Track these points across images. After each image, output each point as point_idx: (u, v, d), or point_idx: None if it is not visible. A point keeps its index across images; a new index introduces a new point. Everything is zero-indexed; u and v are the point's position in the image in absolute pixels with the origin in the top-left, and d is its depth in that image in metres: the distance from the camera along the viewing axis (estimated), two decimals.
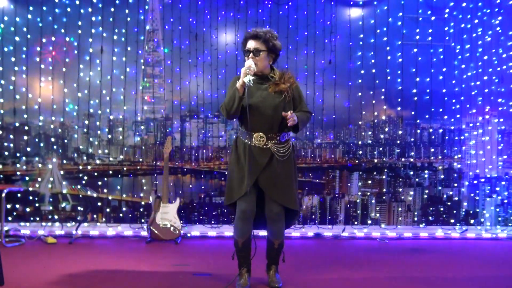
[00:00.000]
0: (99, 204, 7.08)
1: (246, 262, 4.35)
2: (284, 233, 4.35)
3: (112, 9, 6.97)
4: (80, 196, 7.11)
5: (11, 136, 7.03)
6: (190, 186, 7.28)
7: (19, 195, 6.90)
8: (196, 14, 7.04)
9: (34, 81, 6.99)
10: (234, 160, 4.26)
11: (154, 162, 7.18)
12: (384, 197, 7.28)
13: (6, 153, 7.05)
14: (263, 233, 4.48)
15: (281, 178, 4.16)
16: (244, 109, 4.08)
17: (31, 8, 6.91)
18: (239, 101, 4.04)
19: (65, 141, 7.21)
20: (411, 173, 7.34)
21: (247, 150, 4.16)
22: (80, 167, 7.10)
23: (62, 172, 7.05)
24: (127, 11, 6.99)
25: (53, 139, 7.09)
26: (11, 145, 7.02)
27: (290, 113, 4.03)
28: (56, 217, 6.99)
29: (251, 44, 4.14)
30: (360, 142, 7.41)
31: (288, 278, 4.66)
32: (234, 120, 4.44)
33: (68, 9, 6.96)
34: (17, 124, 6.98)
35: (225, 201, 4.36)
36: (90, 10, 6.96)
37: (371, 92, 7.19)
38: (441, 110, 7.26)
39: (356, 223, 7.20)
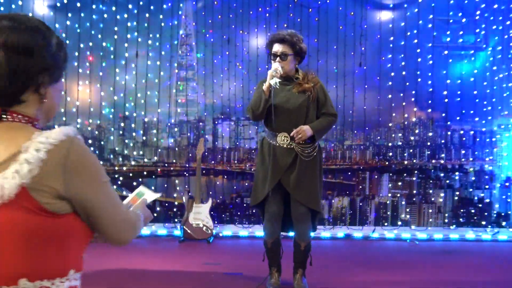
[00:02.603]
0: None
1: (276, 262, 4.42)
2: (311, 235, 4.36)
3: (147, 15, 7.16)
4: None
5: None
6: (222, 187, 7.42)
7: None
8: (228, 19, 7.17)
9: (72, 85, 7.22)
10: (259, 161, 4.32)
11: (187, 163, 7.34)
12: (414, 199, 7.30)
13: None
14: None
15: (305, 178, 4.17)
16: (269, 110, 4.16)
17: (69, 15, 7.14)
18: (265, 103, 4.10)
19: (102, 142, 7.43)
20: (442, 175, 7.34)
21: (272, 150, 4.20)
22: (116, 168, 7.32)
23: None
24: (161, 16, 7.18)
25: (90, 141, 7.31)
26: None
27: (296, 131, 4.10)
28: None
29: (278, 48, 4.16)
30: (390, 144, 7.43)
31: (317, 278, 4.73)
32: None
33: (105, 15, 7.17)
34: (56, 127, 7.20)
35: (251, 202, 4.45)
36: (126, 16, 7.17)
37: (401, 94, 7.22)
38: (472, 112, 7.23)
39: (386, 224, 7.22)
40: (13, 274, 1.38)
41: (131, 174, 7.32)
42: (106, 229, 1.54)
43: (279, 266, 4.45)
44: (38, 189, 1.38)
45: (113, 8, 7.17)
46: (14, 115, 1.47)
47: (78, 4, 7.10)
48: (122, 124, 7.37)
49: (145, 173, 7.38)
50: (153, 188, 7.33)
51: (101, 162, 7.12)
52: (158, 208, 7.29)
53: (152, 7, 7.17)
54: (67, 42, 7.14)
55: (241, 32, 7.19)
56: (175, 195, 7.31)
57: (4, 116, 1.46)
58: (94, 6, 7.14)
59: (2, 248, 1.37)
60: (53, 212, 1.40)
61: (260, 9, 7.16)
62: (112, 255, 5.58)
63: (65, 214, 1.43)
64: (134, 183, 7.28)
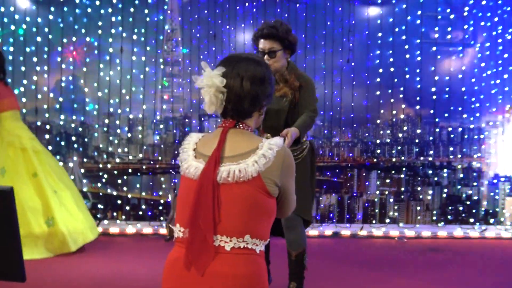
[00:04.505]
0: (119, 202, 7.16)
1: None
2: (304, 244, 4.00)
3: (132, 10, 7.02)
4: (100, 194, 7.19)
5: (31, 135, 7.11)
6: None
7: None
8: (214, 14, 7.07)
9: (55, 81, 7.09)
10: None
11: (173, 160, 7.24)
12: (402, 196, 7.25)
13: None
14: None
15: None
16: None
17: (52, 9, 7.00)
18: None
19: (86, 140, 7.30)
20: (430, 172, 7.30)
21: None
22: (100, 166, 7.18)
23: (82, 171, 7.14)
24: (146, 11, 7.05)
25: (74, 138, 7.18)
26: None
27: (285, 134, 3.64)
28: None
29: (265, 44, 3.81)
30: (378, 141, 7.38)
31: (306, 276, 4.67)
32: None
33: (89, 10, 7.04)
34: (38, 123, 7.07)
35: None
36: (110, 10, 7.03)
37: (390, 91, 7.16)
38: (460, 108, 7.20)
39: (374, 222, 7.18)
40: (242, 230, 1.99)
41: (115, 172, 7.19)
42: (287, 207, 2.19)
43: None
44: (267, 176, 2.01)
45: (97, 3, 7.02)
46: (244, 125, 2.12)
47: None
48: (107, 121, 7.23)
49: (130, 170, 7.26)
50: (138, 186, 7.23)
51: (85, 160, 7.05)
52: (143, 207, 7.18)
53: (137, 2, 7.03)
54: (50, 37, 7.02)
55: (227, 27, 7.09)
56: (160, 193, 7.21)
57: (237, 126, 2.10)
58: (77, 0, 7.01)
59: (237, 210, 1.99)
60: (270, 194, 2.03)
61: (247, 4, 7.07)
62: (97, 254, 5.48)
63: (273, 197, 2.06)
64: (119, 181, 7.16)
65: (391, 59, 7.14)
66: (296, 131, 3.72)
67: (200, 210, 1.98)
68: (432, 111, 7.22)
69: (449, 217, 7.20)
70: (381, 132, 7.39)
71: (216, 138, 2.08)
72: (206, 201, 1.98)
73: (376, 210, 7.24)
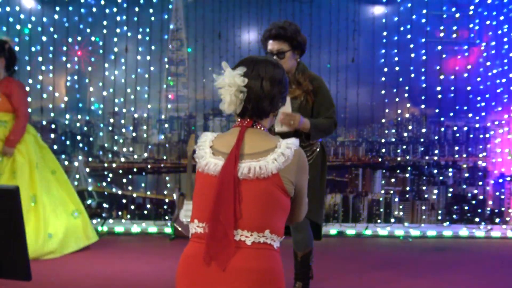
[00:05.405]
0: (124, 201, 7.17)
1: None
2: (310, 245, 3.97)
3: (137, 9, 7.03)
4: (106, 193, 7.20)
5: (39, 134, 7.12)
6: None
7: None
8: (219, 13, 7.06)
9: (61, 80, 7.11)
10: None
11: (178, 160, 7.24)
12: (407, 196, 7.24)
13: None
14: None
15: None
16: None
17: (57, 8, 7.01)
18: None
19: (91, 139, 7.31)
20: (435, 171, 7.28)
21: None
22: (106, 165, 7.19)
23: (87, 170, 7.15)
24: (151, 10, 7.05)
25: (79, 137, 7.20)
26: None
27: (285, 116, 3.60)
28: None
29: (273, 46, 3.73)
30: (383, 140, 7.37)
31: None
32: None
33: (94, 9, 7.05)
34: (44, 123, 7.09)
35: None
36: (115, 10, 7.04)
37: (395, 90, 7.15)
38: (465, 108, 7.18)
39: (379, 221, 7.16)
40: (262, 225, 2.03)
41: (120, 171, 7.20)
42: (299, 209, 2.24)
43: None
44: (284, 174, 2.06)
45: (102, 2, 7.04)
46: (260, 125, 2.17)
47: None
48: (112, 120, 7.24)
49: (135, 169, 7.27)
50: (143, 185, 7.24)
51: (90, 159, 7.06)
52: (148, 206, 7.18)
53: (141, 1, 7.04)
54: (55, 36, 7.03)
55: (232, 26, 7.07)
56: (165, 192, 7.21)
57: (254, 125, 2.16)
58: (82, 0, 7.02)
59: (258, 205, 2.04)
60: (287, 192, 2.09)
61: (251, 3, 7.05)
62: (102, 253, 5.49)
63: (289, 196, 2.12)
64: (124, 180, 7.17)
65: (396, 58, 7.12)
66: (307, 122, 3.64)
67: (221, 205, 2.02)
68: (437, 110, 7.20)
69: (454, 216, 7.18)
70: (386, 131, 7.37)
71: (233, 136, 2.12)
72: (227, 196, 2.02)
73: (381, 210, 7.23)
